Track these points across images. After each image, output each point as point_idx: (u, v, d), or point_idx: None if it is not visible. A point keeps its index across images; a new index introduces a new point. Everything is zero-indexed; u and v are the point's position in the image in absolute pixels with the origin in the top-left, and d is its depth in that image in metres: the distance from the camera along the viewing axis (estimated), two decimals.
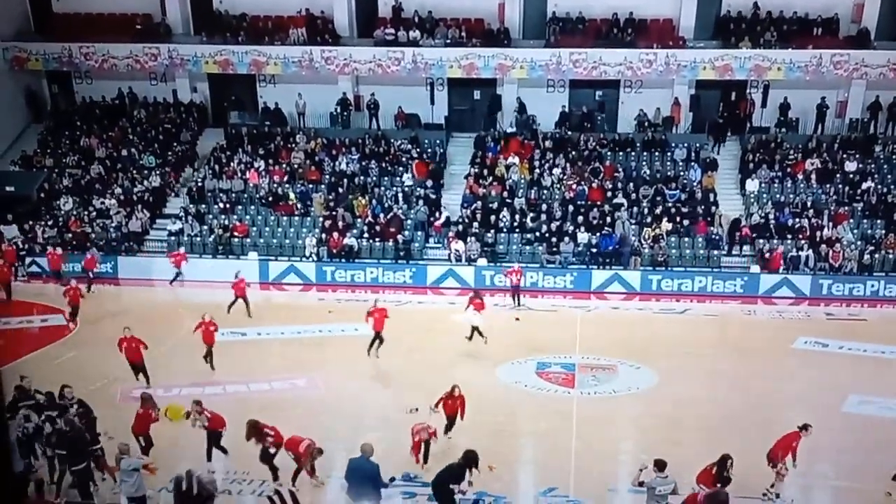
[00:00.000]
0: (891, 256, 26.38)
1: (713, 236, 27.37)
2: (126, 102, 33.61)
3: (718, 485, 13.11)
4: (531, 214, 28.40)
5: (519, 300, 24.33)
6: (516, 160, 30.14)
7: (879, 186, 28.65)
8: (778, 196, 28.85)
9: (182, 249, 27.01)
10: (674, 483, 12.40)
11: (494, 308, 24.70)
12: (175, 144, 32.10)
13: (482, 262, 27.05)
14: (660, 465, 12.36)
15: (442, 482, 12.67)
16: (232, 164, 30.89)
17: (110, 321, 23.29)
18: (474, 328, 20.49)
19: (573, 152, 30.37)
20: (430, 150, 31.30)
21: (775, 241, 26.93)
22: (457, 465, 12.88)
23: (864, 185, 28.62)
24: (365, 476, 12.13)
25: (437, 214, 28.64)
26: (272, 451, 13.88)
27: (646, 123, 31.14)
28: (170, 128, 32.63)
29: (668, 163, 30.30)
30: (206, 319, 19.08)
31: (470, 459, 12.76)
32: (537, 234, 27.74)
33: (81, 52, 31.93)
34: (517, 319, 23.10)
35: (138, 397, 15.39)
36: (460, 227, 27.86)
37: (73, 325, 22.39)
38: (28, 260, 27.50)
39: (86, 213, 29.31)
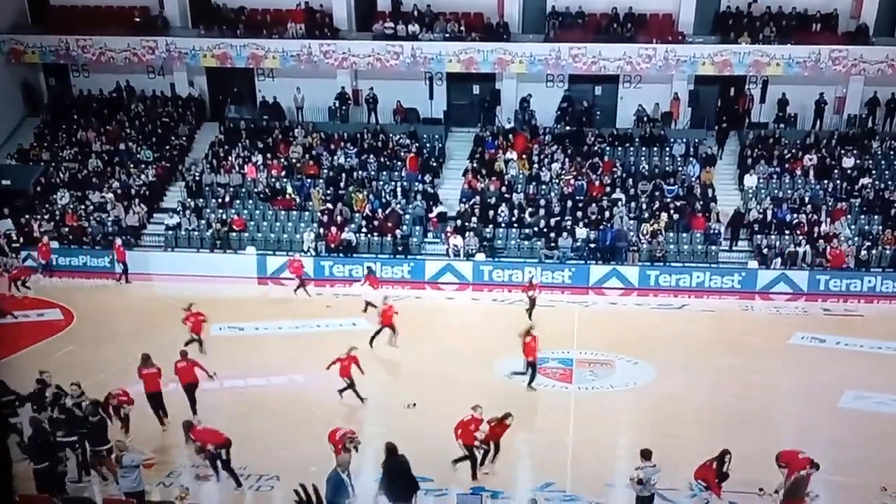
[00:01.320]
0: (888, 252, 26.40)
1: (711, 231, 27.37)
2: (123, 96, 33.53)
3: (717, 480, 13.15)
4: (529, 209, 28.38)
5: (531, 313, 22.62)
6: (514, 155, 30.12)
7: (877, 182, 28.67)
8: (776, 192, 28.86)
9: (297, 255, 25.72)
10: (659, 469, 12.47)
11: (493, 303, 24.79)
12: (173, 138, 32.03)
13: (480, 257, 27.05)
14: (646, 455, 12.45)
15: (401, 478, 12.44)
16: (230, 158, 30.83)
17: (107, 316, 23.34)
18: (368, 303, 22.34)
19: (572, 147, 30.37)
20: (428, 145, 31.26)
21: (773, 237, 26.96)
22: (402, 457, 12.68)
23: (862, 181, 28.63)
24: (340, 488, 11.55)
25: (433, 209, 28.59)
26: (221, 453, 13.91)
27: (644, 119, 31.13)
28: (168, 122, 32.56)
29: (667, 158, 30.29)
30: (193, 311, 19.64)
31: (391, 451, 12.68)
32: (535, 229, 27.73)
33: (78, 45, 31.78)
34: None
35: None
36: (458, 222, 27.84)
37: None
38: (24, 254, 27.43)
39: (82, 207, 29.25)
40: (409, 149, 30.75)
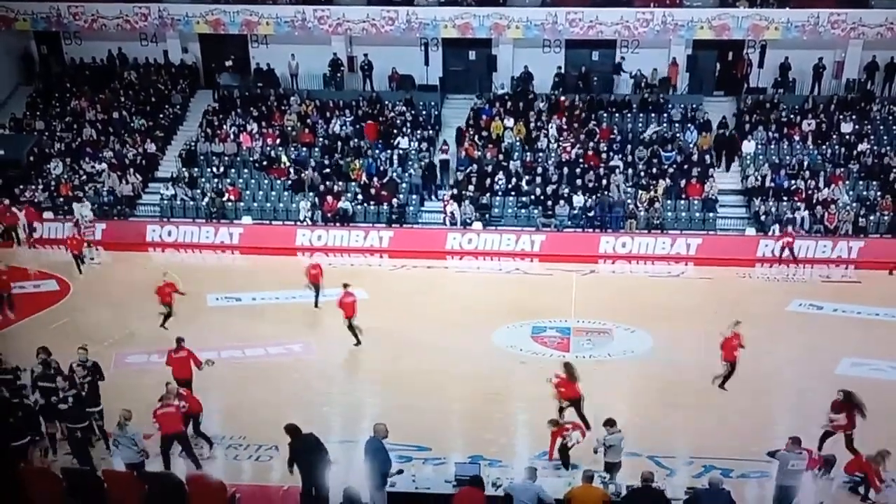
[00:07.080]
0: (886, 218, 26.33)
1: (709, 198, 27.26)
2: (116, 64, 33.13)
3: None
4: (526, 177, 28.21)
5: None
6: (511, 122, 29.91)
7: (875, 147, 28.50)
8: (774, 157, 28.70)
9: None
10: (623, 436, 12.53)
11: (490, 272, 24.73)
12: (166, 107, 31.70)
13: (477, 225, 26.94)
14: (611, 423, 12.51)
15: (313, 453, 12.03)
16: (224, 126, 30.55)
17: (103, 286, 23.27)
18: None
19: (568, 114, 30.13)
20: (424, 112, 30.98)
21: (771, 203, 26.87)
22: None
23: (860, 147, 28.47)
24: (380, 454, 11.74)
25: (430, 174, 28.39)
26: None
27: (642, 84, 30.84)
28: (161, 89, 32.21)
29: (664, 124, 30.06)
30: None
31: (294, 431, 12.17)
32: (532, 197, 27.60)
33: (70, 12, 31.38)
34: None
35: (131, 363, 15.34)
36: (455, 190, 27.69)
37: None
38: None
39: (76, 176, 29.02)
40: (405, 116, 30.49)
